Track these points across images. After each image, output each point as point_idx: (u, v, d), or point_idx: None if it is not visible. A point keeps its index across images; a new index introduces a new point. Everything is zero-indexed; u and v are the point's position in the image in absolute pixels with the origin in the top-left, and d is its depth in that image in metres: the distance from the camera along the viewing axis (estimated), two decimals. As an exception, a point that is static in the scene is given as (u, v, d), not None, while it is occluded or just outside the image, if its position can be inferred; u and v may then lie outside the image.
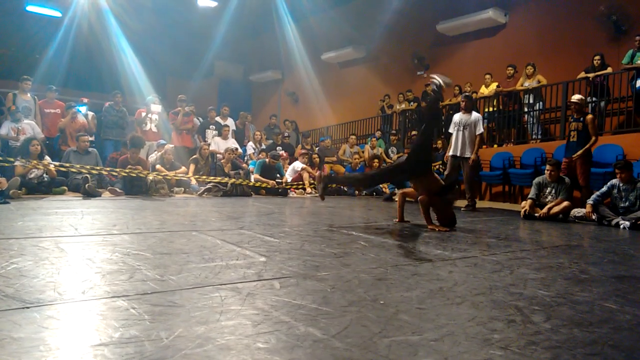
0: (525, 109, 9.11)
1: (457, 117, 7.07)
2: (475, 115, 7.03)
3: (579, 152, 6.23)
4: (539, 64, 9.18)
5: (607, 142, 7.59)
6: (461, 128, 6.87)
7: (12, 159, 6.43)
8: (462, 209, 6.56)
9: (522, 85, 9.03)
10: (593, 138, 6.28)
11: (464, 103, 7.01)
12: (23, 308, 1.62)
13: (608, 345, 1.51)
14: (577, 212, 5.86)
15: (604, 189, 5.60)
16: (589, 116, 6.42)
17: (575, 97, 6.68)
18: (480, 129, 6.90)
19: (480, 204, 6.85)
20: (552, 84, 8.70)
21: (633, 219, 5.10)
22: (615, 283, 2.43)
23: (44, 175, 6.57)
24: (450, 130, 7.15)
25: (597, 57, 8.14)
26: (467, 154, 6.84)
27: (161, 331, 1.45)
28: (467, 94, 7.46)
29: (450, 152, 7.02)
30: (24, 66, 11.72)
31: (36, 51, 13.49)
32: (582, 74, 8.23)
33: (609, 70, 8.05)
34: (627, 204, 5.37)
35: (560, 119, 8.57)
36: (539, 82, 8.86)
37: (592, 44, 8.91)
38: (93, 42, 13.71)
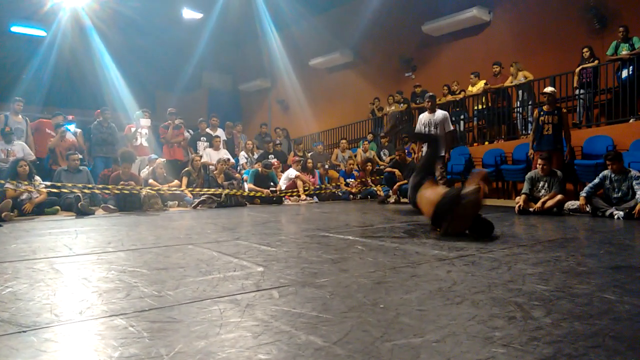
0: (517, 105, 9.15)
1: (422, 117, 7.10)
2: (440, 112, 7.03)
3: (567, 150, 6.56)
4: (525, 59, 9.24)
5: (596, 133, 7.65)
6: (431, 128, 6.88)
7: (2, 182, 6.37)
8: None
9: (510, 83, 9.08)
10: (569, 133, 6.61)
11: (429, 103, 7.07)
12: (20, 332, 1.59)
13: (609, 336, 1.52)
14: (571, 204, 5.89)
15: (596, 180, 5.64)
16: (564, 110, 6.54)
17: (549, 89, 6.75)
18: (449, 127, 6.87)
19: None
20: (540, 78, 8.75)
21: (627, 208, 5.14)
22: (612, 274, 2.44)
23: (36, 196, 6.50)
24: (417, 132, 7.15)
25: (585, 50, 8.22)
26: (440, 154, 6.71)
27: (161, 348, 1.43)
28: (431, 94, 7.43)
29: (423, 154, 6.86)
30: (9, 86, 11.64)
31: (22, 71, 13.42)
32: (579, 69, 8.20)
33: (595, 63, 8.12)
34: (619, 194, 5.41)
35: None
36: (525, 78, 8.91)
37: (577, 38, 9.01)
38: (78, 60, 13.69)
